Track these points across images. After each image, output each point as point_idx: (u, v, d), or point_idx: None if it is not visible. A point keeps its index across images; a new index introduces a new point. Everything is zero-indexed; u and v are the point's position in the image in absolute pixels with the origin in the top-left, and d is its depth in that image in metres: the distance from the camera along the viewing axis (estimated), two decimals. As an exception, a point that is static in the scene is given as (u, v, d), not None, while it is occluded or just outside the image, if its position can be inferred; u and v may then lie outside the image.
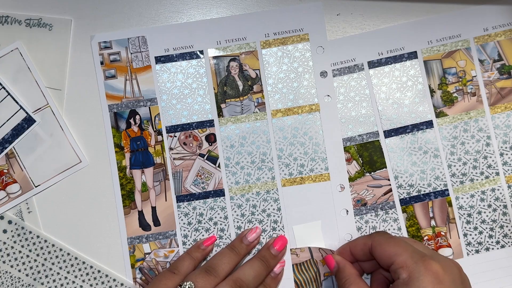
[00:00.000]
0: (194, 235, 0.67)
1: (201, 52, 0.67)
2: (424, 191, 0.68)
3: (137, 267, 0.67)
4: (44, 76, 0.66)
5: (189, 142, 0.68)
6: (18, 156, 0.66)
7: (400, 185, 0.68)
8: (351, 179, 0.68)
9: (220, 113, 0.67)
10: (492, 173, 0.67)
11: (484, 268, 0.67)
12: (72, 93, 0.67)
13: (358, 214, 0.68)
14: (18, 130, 0.65)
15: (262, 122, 0.67)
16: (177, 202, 0.67)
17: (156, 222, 0.68)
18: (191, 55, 0.68)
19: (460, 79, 0.67)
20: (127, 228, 0.68)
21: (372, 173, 0.68)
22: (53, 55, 0.66)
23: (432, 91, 0.67)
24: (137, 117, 0.68)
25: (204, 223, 0.68)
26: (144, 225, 0.68)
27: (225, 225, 0.67)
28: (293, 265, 0.66)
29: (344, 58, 0.68)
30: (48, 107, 0.66)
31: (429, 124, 0.68)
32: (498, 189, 0.67)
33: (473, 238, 0.67)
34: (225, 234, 0.67)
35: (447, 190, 0.68)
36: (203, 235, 0.67)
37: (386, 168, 0.68)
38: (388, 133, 0.68)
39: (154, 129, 0.68)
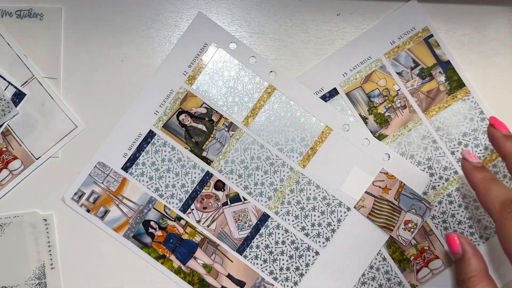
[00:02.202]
0: (277, 265, 0.67)
1: (151, 132, 0.66)
2: (393, 215, 0.66)
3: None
4: (39, 66, 0.65)
5: (206, 203, 0.66)
6: (14, 132, 0.65)
7: (369, 217, 0.66)
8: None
9: (208, 161, 0.65)
10: (451, 173, 0.67)
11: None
12: (68, 81, 0.66)
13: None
14: (10, 107, 0.65)
15: (243, 137, 0.65)
16: (241, 255, 0.67)
17: (241, 283, 0.67)
18: (146, 141, 0.66)
19: (386, 98, 0.66)
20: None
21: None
22: (46, 45, 0.65)
23: (364, 119, 0.66)
24: (152, 223, 0.66)
25: (276, 250, 0.67)
26: (234, 294, 0.69)
27: (291, 236, 0.67)
28: (368, 217, 0.66)
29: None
30: (34, 79, 0.64)
31: (374, 151, 0.66)
32: (462, 187, 0.67)
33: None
34: (298, 243, 0.67)
35: (414, 205, 0.66)
36: (284, 259, 0.67)
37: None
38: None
39: (173, 219, 0.66)
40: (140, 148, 0.65)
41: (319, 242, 0.65)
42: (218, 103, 0.65)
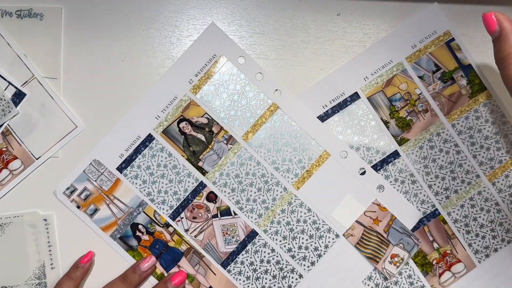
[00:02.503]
0: (260, 284, 0.67)
1: (150, 136, 0.65)
2: (416, 219, 0.67)
3: None
4: (39, 66, 0.65)
5: (197, 214, 0.66)
6: (14, 132, 0.65)
7: (391, 220, 0.67)
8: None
9: (203, 171, 0.65)
10: (473, 177, 0.67)
11: (500, 269, 0.67)
12: (68, 81, 0.66)
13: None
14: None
15: (241, 152, 0.65)
16: (225, 269, 0.66)
17: (223, 297, 0.68)
18: (144, 144, 0.66)
19: (408, 101, 0.66)
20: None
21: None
22: (46, 45, 0.65)
23: (386, 123, 0.66)
24: (140, 226, 0.66)
25: (260, 268, 0.67)
26: (213, 308, 0.68)
27: (277, 256, 0.66)
28: (355, 246, 0.66)
29: (293, 119, 0.66)
30: (34, 79, 0.65)
31: (395, 155, 0.66)
32: (484, 190, 0.67)
33: (478, 245, 0.67)
34: (283, 264, 0.67)
35: (437, 209, 0.67)
36: (267, 278, 0.67)
37: (375, 211, 0.66)
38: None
39: (161, 225, 0.66)
40: (137, 151, 0.65)
41: (304, 265, 0.65)
42: (220, 115, 0.65)
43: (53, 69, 0.65)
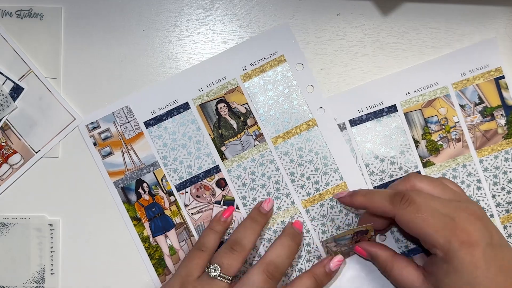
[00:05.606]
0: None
1: (187, 104, 0.66)
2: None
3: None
4: (39, 66, 0.66)
5: (202, 193, 0.66)
6: (13, 126, 0.66)
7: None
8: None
9: (222, 156, 0.66)
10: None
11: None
12: (68, 81, 0.66)
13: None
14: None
15: (265, 152, 0.65)
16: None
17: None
18: (178, 110, 0.66)
19: (443, 127, 0.65)
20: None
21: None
22: (46, 44, 0.66)
23: (416, 142, 0.65)
24: (144, 185, 0.66)
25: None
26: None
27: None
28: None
29: (326, 120, 0.67)
30: (31, 72, 0.66)
31: (416, 175, 0.65)
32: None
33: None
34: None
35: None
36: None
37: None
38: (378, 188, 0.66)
39: (165, 191, 0.66)
40: (170, 113, 0.65)
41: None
42: (259, 111, 0.65)
43: (53, 69, 0.66)
